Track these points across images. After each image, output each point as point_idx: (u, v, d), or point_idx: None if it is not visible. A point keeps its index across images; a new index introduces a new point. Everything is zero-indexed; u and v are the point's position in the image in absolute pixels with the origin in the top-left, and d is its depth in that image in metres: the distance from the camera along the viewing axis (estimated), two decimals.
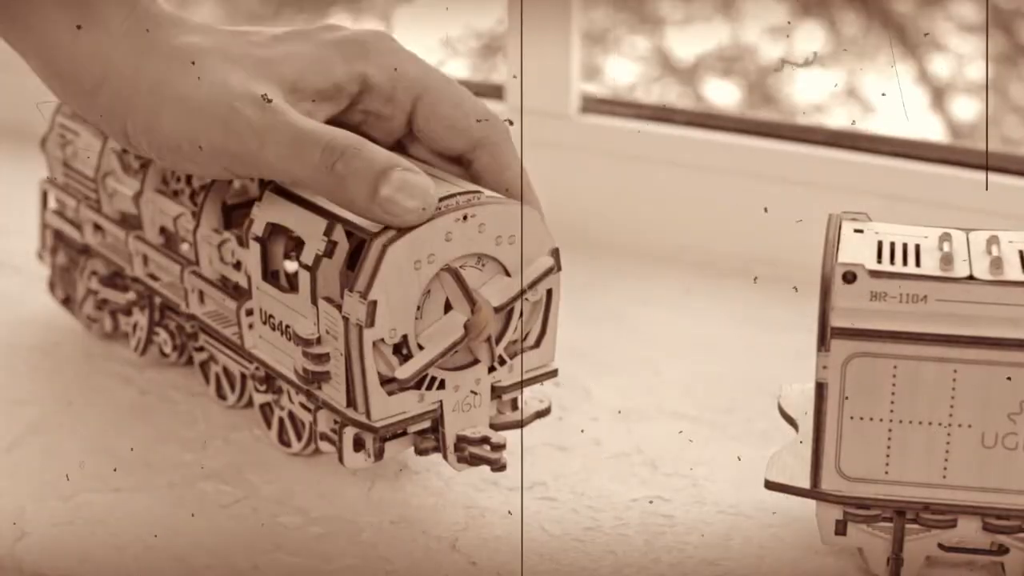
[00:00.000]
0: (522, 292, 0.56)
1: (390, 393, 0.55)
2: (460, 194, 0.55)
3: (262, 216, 0.58)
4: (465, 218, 0.54)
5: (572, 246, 0.58)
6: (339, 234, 0.55)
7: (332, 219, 0.55)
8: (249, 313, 0.60)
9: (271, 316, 0.58)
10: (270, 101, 0.54)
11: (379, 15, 2.10)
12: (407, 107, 0.58)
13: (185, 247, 0.66)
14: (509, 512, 0.59)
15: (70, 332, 0.74)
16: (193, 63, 0.55)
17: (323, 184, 0.53)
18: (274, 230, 0.58)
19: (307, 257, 0.55)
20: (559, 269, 0.57)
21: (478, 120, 0.58)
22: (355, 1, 2.06)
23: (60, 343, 0.74)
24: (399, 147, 0.60)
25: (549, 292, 0.58)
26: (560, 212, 0.59)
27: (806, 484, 0.53)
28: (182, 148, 0.56)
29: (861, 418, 0.52)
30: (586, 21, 0.97)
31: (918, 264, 0.51)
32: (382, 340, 0.53)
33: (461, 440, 0.57)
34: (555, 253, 0.57)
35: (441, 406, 0.56)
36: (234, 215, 0.64)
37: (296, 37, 0.58)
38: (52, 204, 0.75)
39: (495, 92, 0.96)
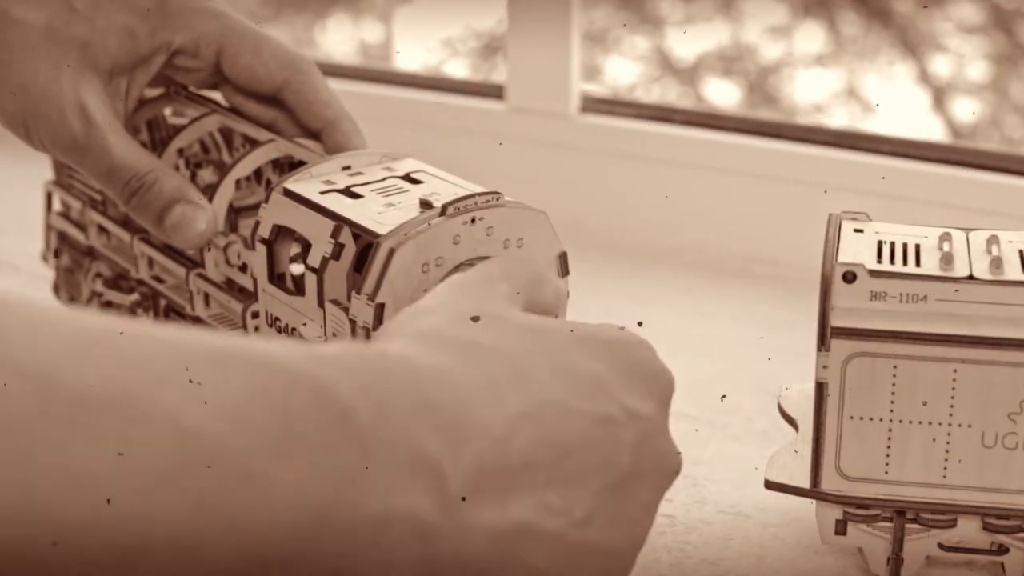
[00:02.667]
0: None
1: None
2: (469, 197, 0.55)
3: (268, 218, 0.58)
4: (473, 221, 0.54)
5: (572, 246, 0.58)
6: (346, 236, 0.55)
7: (339, 221, 0.55)
8: (255, 316, 0.60)
9: (277, 319, 0.59)
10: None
11: (379, 15, 2.10)
12: (212, 60, 0.64)
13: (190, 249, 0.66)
14: None
15: None
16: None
17: (125, 209, 0.62)
18: (280, 232, 0.58)
19: (314, 260, 0.55)
20: (567, 273, 0.57)
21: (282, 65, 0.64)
22: (355, 1, 2.06)
23: None
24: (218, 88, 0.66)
25: None
26: (560, 212, 0.59)
27: (806, 484, 0.54)
28: (19, 131, 0.62)
29: (861, 418, 0.52)
30: (586, 21, 0.97)
31: (918, 264, 0.52)
32: None
33: None
34: (562, 257, 0.57)
35: None
36: (241, 216, 0.65)
37: (112, 4, 0.63)
38: (57, 206, 0.75)
39: (495, 92, 0.96)
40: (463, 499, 0.41)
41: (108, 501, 0.35)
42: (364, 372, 0.41)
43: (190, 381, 0.37)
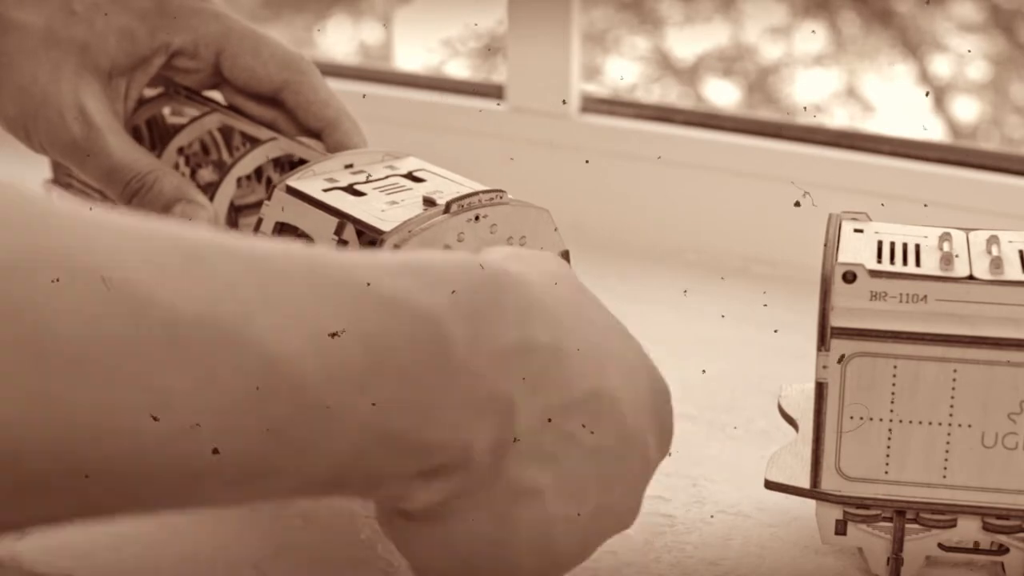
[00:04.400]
0: None
1: None
2: (473, 195, 0.55)
3: (271, 215, 0.58)
4: (477, 219, 0.54)
5: (572, 246, 0.58)
6: (350, 233, 0.55)
7: (343, 218, 0.55)
8: None
9: None
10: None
11: (379, 16, 2.10)
12: (211, 61, 0.65)
13: None
14: None
15: None
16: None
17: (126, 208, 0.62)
18: (283, 230, 0.58)
19: None
20: None
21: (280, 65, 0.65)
22: (355, 2, 2.06)
23: None
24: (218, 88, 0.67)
25: None
26: (560, 212, 0.59)
27: (806, 484, 0.53)
28: (19, 134, 0.63)
29: (861, 418, 0.52)
30: (586, 21, 0.97)
31: (918, 264, 0.52)
32: None
33: None
34: (565, 255, 0.57)
35: None
36: (242, 214, 0.65)
37: (111, 5, 0.63)
38: None
39: (495, 92, 0.96)
40: (515, 441, 0.43)
41: (190, 424, 0.36)
42: (473, 295, 0.42)
43: (283, 307, 0.38)
